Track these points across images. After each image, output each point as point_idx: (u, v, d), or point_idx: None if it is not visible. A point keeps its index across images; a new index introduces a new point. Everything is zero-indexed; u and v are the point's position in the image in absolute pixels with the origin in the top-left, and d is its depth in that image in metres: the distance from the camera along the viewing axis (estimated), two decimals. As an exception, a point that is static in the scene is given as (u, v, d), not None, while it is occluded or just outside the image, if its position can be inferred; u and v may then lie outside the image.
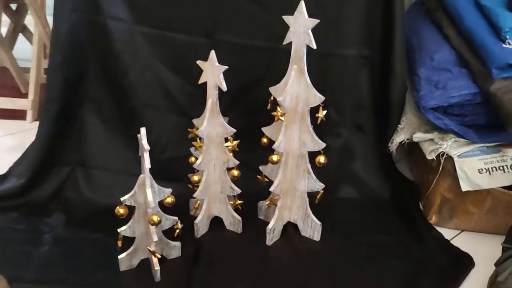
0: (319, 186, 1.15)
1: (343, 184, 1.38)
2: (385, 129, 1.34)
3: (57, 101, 1.29)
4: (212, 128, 1.13)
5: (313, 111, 1.09)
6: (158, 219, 1.01)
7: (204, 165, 1.16)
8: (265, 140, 1.19)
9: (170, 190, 1.06)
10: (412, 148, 1.39)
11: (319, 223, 1.19)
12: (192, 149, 1.21)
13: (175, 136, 1.37)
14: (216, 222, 1.24)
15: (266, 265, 1.13)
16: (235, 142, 1.13)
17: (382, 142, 1.35)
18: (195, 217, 1.20)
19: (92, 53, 1.30)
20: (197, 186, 1.16)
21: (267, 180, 1.22)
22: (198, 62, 1.10)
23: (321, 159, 1.12)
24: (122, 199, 1.02)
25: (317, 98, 1.07)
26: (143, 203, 1.03)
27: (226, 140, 1.14)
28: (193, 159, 1.20)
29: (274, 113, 1.07)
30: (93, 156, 1.35)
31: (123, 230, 1.04)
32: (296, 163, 1.15)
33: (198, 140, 1.14)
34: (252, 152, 1.26)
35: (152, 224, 1.00)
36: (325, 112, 1.08)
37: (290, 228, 1.23)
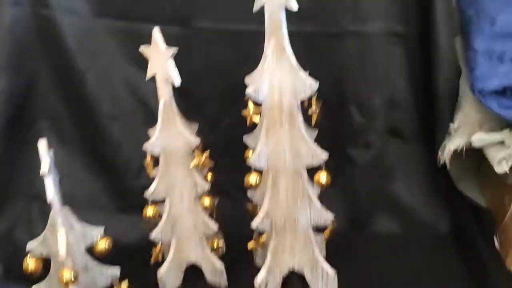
0: (326, 217, 0.78)
1: (377, 214, 0.98)
2: (433, 131, 0.94)
3: (3, 120, 1.03)
4: (169, 139, 0.80)
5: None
6: (73, 275, 0.69)
7: (162, 192, 0.83)
8: (250, 153, 0.84)
9: (100, 230, 0.74)
10: (477, 157, 0.96)
11: (332, 273, 0.81)
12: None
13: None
14: (194, 272, 0.90)
15: None
16: (203, 156, 0.80)
17: (431, 150, 0.95)
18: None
19: (41, 56, 1.04)
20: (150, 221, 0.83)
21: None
22: (141, 47, 0.79)
23: (322, 177, 0.75)
24: (28, 247, 0.71)
25: (308, 85, 0.71)
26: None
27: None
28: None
29: (244, 112, 0.73)
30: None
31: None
32: (292, 185, 0.79)
33: (148, 158, 0.82)
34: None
35: (66, 284, 0.68)
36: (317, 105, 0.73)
37: (295, 280, 0.85)
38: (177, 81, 0.76)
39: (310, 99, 0.73)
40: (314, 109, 0.73)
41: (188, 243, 0.87)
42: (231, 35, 0.98)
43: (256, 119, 0.72)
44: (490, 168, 0.87)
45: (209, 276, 0.88)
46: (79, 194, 1.06)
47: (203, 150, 0.82)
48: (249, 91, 0.71)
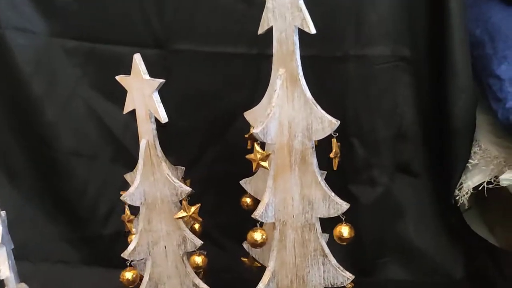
0: (345, 277, 0.65)
1: (385, 259, 0.87)
2: (447, 168, 0.84)
3: None
4: (152, 187, 0.66)
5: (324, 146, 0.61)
6: None
7: (142, 252, 0.68)
8: (247, 200, 0.71)
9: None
10: (489, 194, 0.87)
11: None
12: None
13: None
14: None
15: None
16: (193, 208, 0.66)
17: (443, 188, 0.85)
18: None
19: (-13, 81, 0.87)
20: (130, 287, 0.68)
21: (259, 264, 0.74)
22: (117, 77, 0.64)
23: (344, 231, 0.62)
24: None
25: (327, 123, 0.59)
26: None
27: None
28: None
29: (250, 157, 0.60)
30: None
31: None
32: (301, 239, 0.66)
33: (126, 209, 0.67)
34: (236, 216, 0.79)
35: None
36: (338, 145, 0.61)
37: None
38: (164, 118, 0.62)
39: (328, 139, 0.60)
40: (335, 151, 0.61)
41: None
42: (214, 59, 0.85)
43: (264, 164, 0.59)
44: (509, 204, 0.79)
45: None
46: (33, 243, 0.90)
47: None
48: (256, 131, 0.58)
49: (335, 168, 0.62)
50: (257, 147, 0.59)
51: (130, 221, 0.65)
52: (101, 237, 0.90)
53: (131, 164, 0.90)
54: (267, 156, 0.59)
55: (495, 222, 0.93)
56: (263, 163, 0.59)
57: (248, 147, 0.67)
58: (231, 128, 0.87)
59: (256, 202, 0.70)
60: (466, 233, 0.87)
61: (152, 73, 0.64)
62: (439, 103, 0.83)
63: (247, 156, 0.60)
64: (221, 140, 0.89)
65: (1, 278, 0.51)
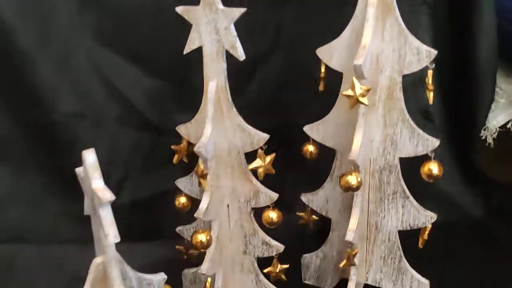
0: (427, 216, 0.64)
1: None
2: (469, 110, 0.85)
3: None
4: (221, 137, 0.58)
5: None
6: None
7: (214, 211, 0.60)
8: (311, 148, 0.66)
9: (161, 277, 0.49)
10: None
11: (426, 282, 0.67)
12: (181, 182, 0.65)
13: (136, 163, 0.80)
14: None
15: None
16: (268, 158, 0.59)
17: (466, 130, 0.86)
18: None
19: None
20: (202, 250, 0.59)
21: (315, 218, 0.70)
22: (179, 8, 0.55)
23: (434, 168, 0.59)
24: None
25: (424, 53, 0.56)
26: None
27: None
28: (182, 200, 0.65)
29: (347, 93, 0.54)
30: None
31: None
32: (378, 184, 0.63)
33: (199, 163, 0.57)
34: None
35: None
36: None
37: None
38: (242, 55, 0.54)
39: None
40: (430, 84, 0.58)
41: (232, 274, 0.66)
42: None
43: (362, 99, 0.54)
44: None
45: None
46: (33, 224, 0.77)
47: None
48: (358, 63, 0.52)
49: (430, 102, 0.59)
50: (355, 81, 0.54)
51: (204, 176, 0.56)
52: (115, 209, 0.78)
53: (143, 125, 0.81)
54: (368, 90, 0.54)
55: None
56: (362, 99, 0.54)
57: (321, 89, 0.62)
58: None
59: (322, 150, 0.65)
60: (485, 173, 0.90)
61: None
62: (456, 44, 0.83)
63: (344, 93, 0.54)
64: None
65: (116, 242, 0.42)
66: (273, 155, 0.60)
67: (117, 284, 0.43)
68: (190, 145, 0.61)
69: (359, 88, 0.54)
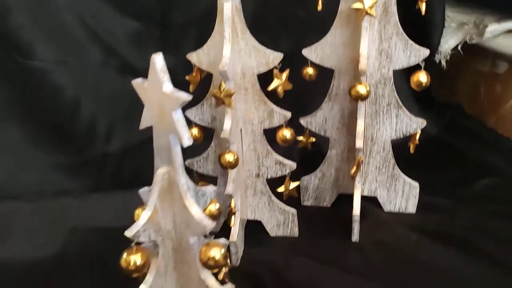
0: (418, 122, 0.71)
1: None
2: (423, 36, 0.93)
3: None
4: (236, 60, 0.60)
5: None
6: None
7: (233, 133, 0.62)
8: (310, 70, 0.69)
9: (212, 188, 0.51)
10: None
11: (416, 184, 0.75)
12: (191, 111, 0.65)
13: (122, 108, 0.78)
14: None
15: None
16: (284, 75, 0.62)
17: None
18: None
19: None
20: (230, 169, 0.61)
21: (313, 139, 0.74)
22: None
23: (422, 78, 0.65)
24: (128, 233, 0.44)
25: None
26: (172, 231, 0.46)
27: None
28: (194, 132, 0.65)
29: (357, 6, 0.58)
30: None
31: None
32: (374, 97, 0.69)
33: (222, 84, 0.59)
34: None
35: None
36: None
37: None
38: None
39: None
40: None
41: (247, 196, 0.69)
42: None
43: (372, 12, 0.58)
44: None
45: (272, 229, 0.71)
46: (22, 177, 0.73)
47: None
48: None
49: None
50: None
51: (230, 95, 0.57)
52: (106, 157, 0.76)
53: (125, 69, 0.79)
54: (376, 2, 0.59)
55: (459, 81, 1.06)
56: (370, 11, 0.59)
57: (319, 9, 0.65)
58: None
59: (321, 71, 0.69)
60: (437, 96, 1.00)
61: None
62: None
63: (354, 6, 0.58)
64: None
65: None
66: (288, 70, 0.62)
67: (185, 191, 0.44)
68: (202, 72, 0.62)
69: (369, 0, 0.58)
